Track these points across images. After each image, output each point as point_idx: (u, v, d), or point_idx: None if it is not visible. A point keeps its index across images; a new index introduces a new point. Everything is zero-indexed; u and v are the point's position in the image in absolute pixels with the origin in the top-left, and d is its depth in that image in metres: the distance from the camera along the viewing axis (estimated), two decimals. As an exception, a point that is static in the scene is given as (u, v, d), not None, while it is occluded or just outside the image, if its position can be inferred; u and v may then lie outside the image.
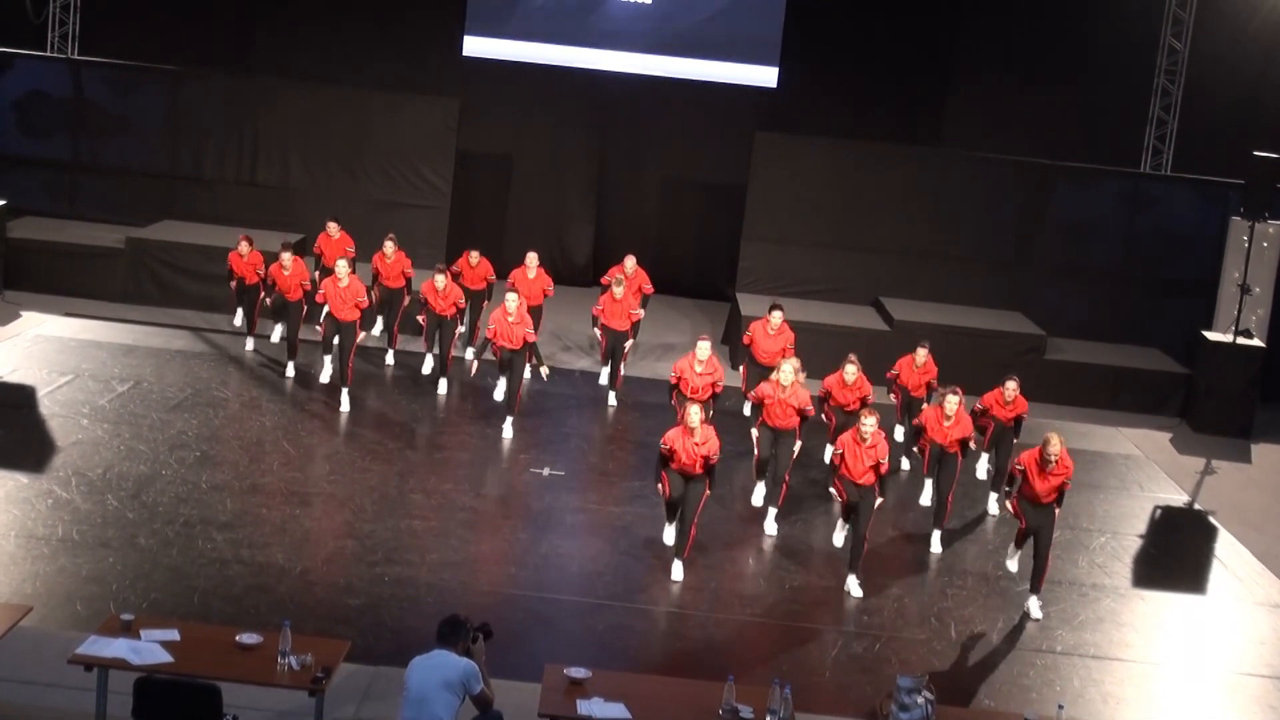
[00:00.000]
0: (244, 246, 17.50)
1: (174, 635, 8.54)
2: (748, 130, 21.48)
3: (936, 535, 13.75)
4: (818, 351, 17.22)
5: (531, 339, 15.43)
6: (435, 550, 12.34)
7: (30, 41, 21.03)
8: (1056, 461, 12.08)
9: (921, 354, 15.58)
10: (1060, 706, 8.84)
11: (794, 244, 20.97)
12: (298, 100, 21.19)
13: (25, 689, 9.10)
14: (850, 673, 10.94)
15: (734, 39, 21.87)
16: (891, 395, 15.95)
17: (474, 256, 18.08)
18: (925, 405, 14.78)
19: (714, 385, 14.86)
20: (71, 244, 19.56)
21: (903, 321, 19.47)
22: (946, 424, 13.67)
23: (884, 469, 12.51)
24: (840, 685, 10.70)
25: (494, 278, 18.21)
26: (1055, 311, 20.61)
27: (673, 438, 12.23)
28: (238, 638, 8.56)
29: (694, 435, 12.08)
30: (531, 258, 17.67)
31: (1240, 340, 18.77)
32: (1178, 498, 16.07)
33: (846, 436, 12.63)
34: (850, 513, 12.63)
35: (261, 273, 17.29)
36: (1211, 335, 19.19)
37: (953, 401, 13.71)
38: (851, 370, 14.60)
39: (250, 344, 17.72)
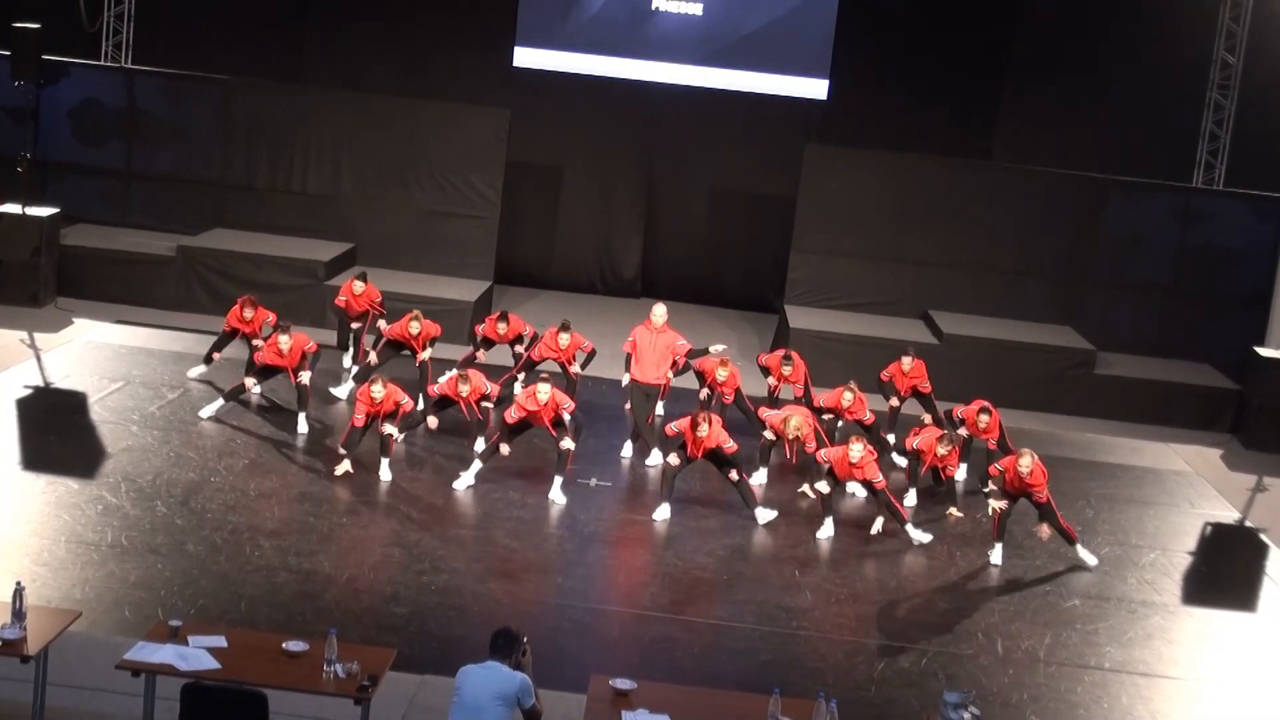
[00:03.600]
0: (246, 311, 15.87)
1: (221, 642, 8.58)
2: (798, 143, 21.46)
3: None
4: (866, 365, 17.18)
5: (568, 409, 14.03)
6: (482, 559, 12.37)
7: (85, 50, 21.19)
8: None
9: (907, 361, 15.97)
10: (1109, 724, 8.79)
11: (843, 256, 20.88)
12: (349, 110, 21.25)
13: (74, 694, 9.16)
14: (896, 687, 10.89)
15: (784, 51, 21.81)
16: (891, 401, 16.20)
17: (502, 326, 16.38)
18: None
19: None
20: (124, 251, 19.70)
21: (952, 335, 19.40)
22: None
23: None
24: (886, 700, 10.65)
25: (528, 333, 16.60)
26: (1106, 326, 20.46)
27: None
28: (284, 645, 8.60)
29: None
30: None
31: (1293, 356, 18.62)
32: (1229, 514, 15.92)
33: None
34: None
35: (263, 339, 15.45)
36: (1264, 351, 19.00)
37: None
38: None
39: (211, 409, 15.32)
